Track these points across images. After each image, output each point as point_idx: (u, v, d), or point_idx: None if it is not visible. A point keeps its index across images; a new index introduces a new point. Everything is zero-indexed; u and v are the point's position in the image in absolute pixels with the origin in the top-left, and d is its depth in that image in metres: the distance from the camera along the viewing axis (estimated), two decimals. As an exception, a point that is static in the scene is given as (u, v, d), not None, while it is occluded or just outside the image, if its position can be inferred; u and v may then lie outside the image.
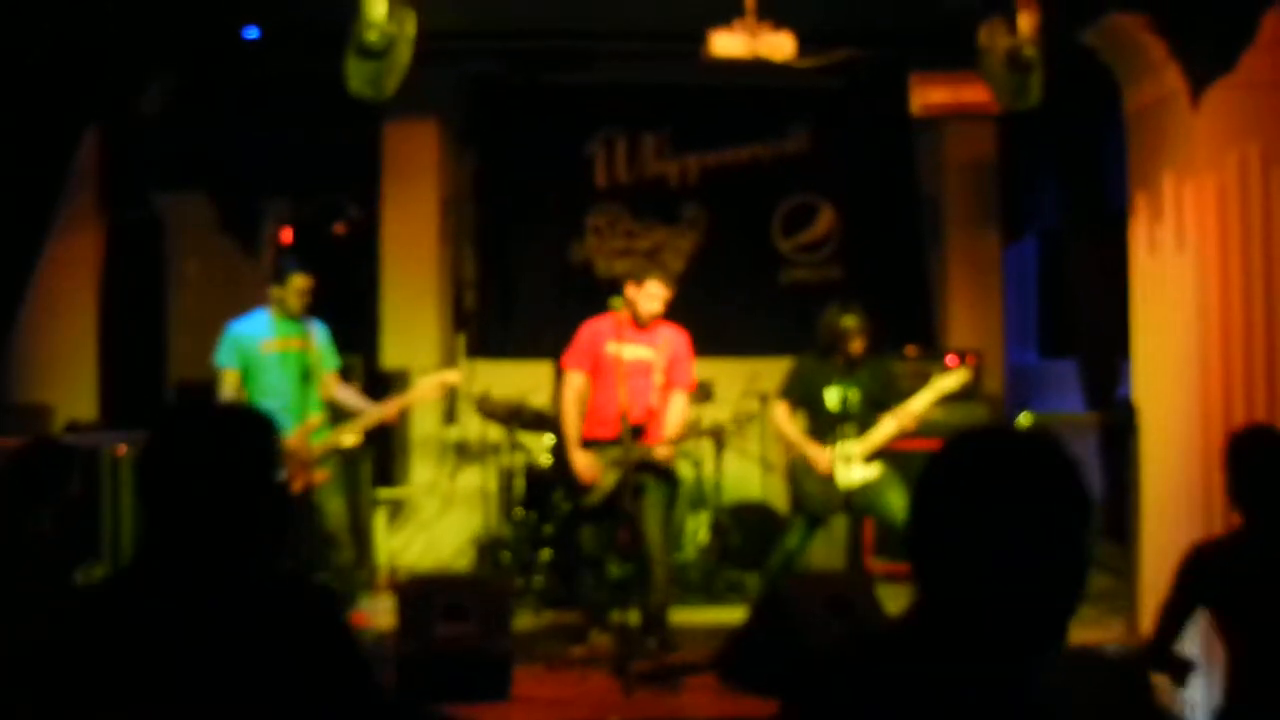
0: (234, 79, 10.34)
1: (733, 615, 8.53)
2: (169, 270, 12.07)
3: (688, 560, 10.31)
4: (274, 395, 8.39)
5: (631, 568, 8.25)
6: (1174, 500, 7.51)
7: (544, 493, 9.98)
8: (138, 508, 7.74)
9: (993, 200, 11.86)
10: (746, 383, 10.41)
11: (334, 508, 8.50)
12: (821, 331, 8.77)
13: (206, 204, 11.82)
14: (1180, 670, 4.96)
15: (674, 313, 10.52)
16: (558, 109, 11.88)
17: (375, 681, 3.10)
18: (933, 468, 2.43)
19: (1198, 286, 7.28)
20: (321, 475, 8.37)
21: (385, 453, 10.23)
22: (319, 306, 8.77)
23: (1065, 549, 2.32)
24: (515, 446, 10.19)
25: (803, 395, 8.83)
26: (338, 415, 8.71)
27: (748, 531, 10.47)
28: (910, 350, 10.85)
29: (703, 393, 10.34)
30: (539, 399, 10.20)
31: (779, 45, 7.89)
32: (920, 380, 9.01)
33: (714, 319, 11.71)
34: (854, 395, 8.65)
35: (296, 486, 7.75)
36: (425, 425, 11.10)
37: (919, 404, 8.53)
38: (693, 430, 8.70)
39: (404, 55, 7.47)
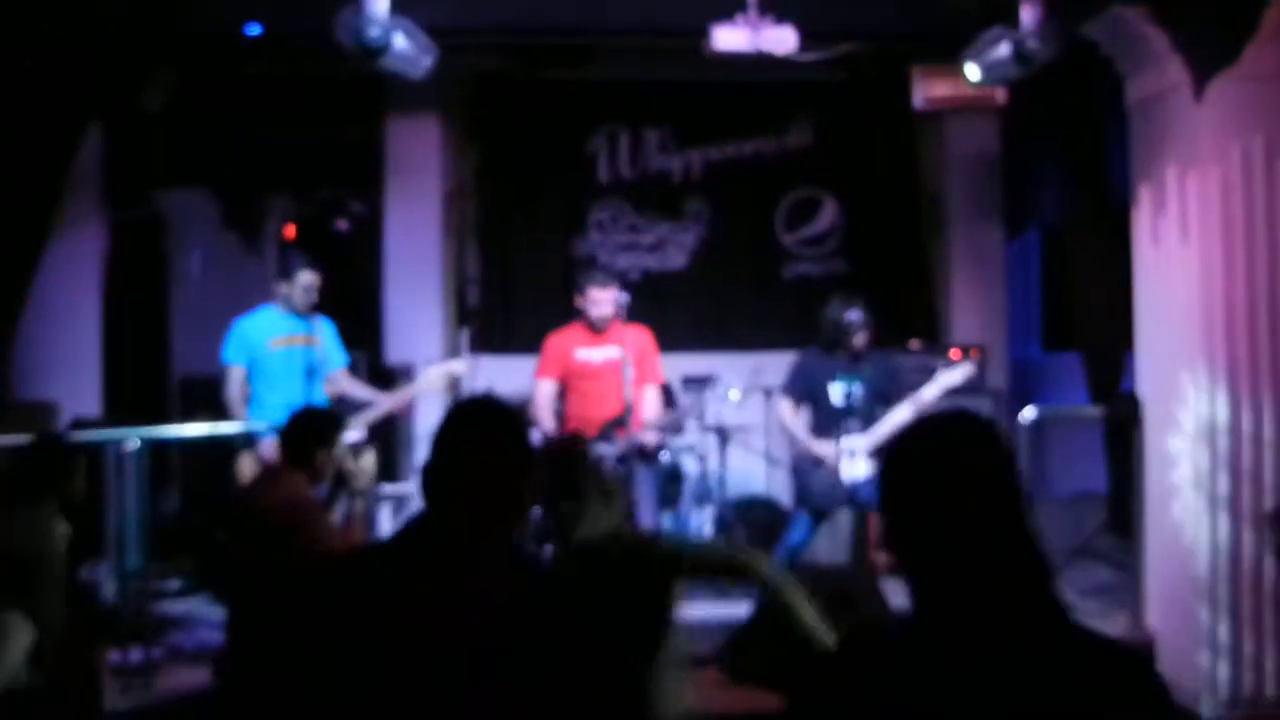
0: (236, 76, 10.36)
1: (737, 609, 8.39)
2: (172, 267, 12.08)
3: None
4: (279, 391, 8.41)
5: None
6: (1178, 494, 7.50)
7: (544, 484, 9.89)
8: (143, 504, 7.77)
9: (995, 194, 11.87)
10: (750, 377, 10.37)
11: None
12: (825, 325, 8.77)
13: (209, 201, 11.82)
14: None
15: (677, 307, 10.60)
16: (560, 105, 11.87)
17: None
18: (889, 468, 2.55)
19: (1201, 279, 7.26)
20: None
21: (389, 448, 10.18)
22: (323, 302, 8.77)
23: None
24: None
25: (807, 390, 8.83)
26: (345, 411, 8.69)
27: (752, 526, 10.44)
28: (914, 344, 10.84)
29: (706, 387, 10.36)
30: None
31: (781, 39, 7.88)
32: (924, 374, 9.03)
33: (717, 313, 12.01)
34: (858, 389, 8.64)
35: None
36: (429, 420, 10.90)
37: (929, 394, 8.53)
38: (671, 420, 8.74)
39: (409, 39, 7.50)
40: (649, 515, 8.50)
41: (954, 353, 10.30)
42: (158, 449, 8.91)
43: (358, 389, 8.92)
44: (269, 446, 7.96)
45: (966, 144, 11.75)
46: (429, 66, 7.75)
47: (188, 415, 10.07)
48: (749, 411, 10.55)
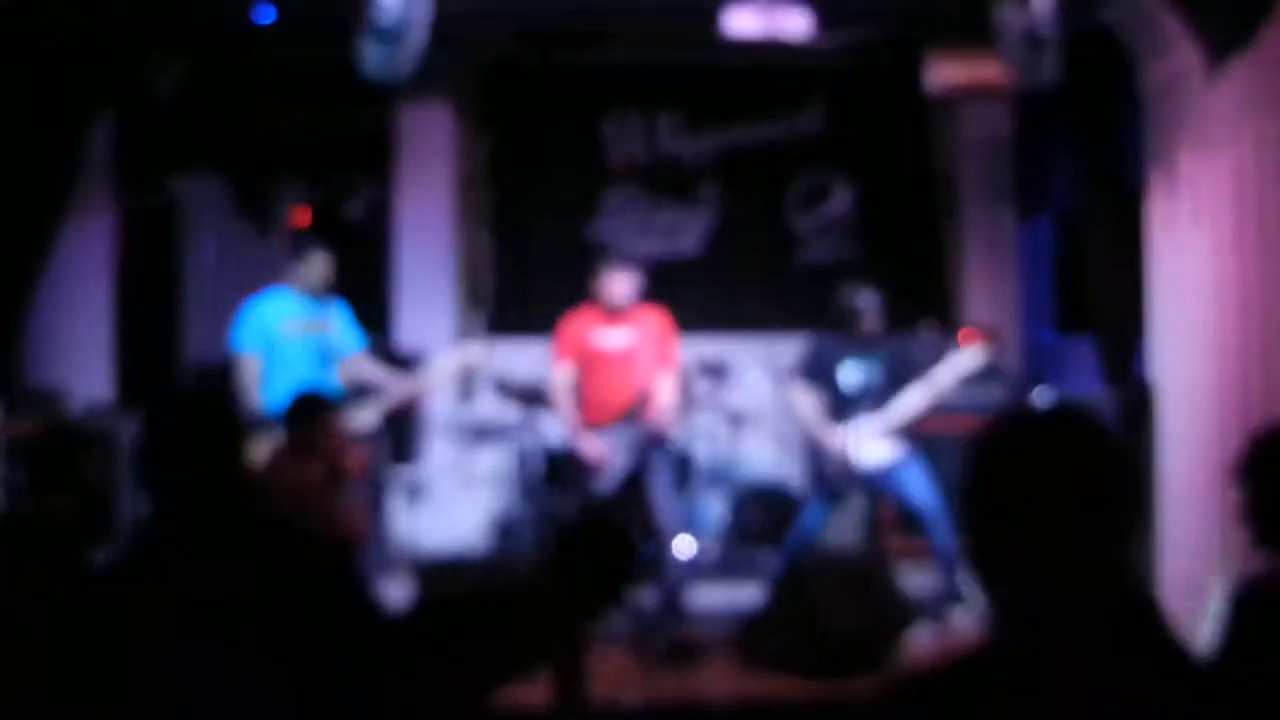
0: (248, 62, 10.34)
1: (751, 594, 8.49)
2: (184, 254, 12.08)
3: (705, 540, 10.25)
4: (293, 377, 8.31)
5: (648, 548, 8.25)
6: (1192, 479, 7.48)
7: (563, 473, 9.98)
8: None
9: (1008, 178, 11.84)
10: (763, 360, 10.35)
11: None
12: (836, 310, 8.77)
13: (221, 188, 11.81)
14: None
15: (690, 291, 10.57)
16: (571, 89, 11.85)
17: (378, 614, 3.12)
18: (980, 465, 2.34)
19: (1215, 263, 7.24)
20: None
21: (401, 432, 10.17)
22: (333, 288, 8.72)
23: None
24: (533, 426, 10.19)
25: (819, 374, 8.82)
26: (361, 396, 8.66)
27: (765, 510, 10.46)
28: (926, 328, 10.87)
29: (719, 371, 10.36)
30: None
31: (795, 23, 7.89)
32: (937, 358, 9.02)
33: (730, 297, 11.97)
34: (871, 373, 8.63)
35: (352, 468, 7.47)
36: (441, 405, 11.10)
37: (942, 378, 8.51)
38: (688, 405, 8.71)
39: (419, 37, 7.45)
40: (666, 503, 8.45)
41: (965, 334, 10.28)
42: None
43: (375, 373, 8.81)
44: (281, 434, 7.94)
45: (979, 128, 11.72)
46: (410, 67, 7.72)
47: None
48: (761, 396, 10.56)
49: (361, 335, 8.91)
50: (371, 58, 7.45)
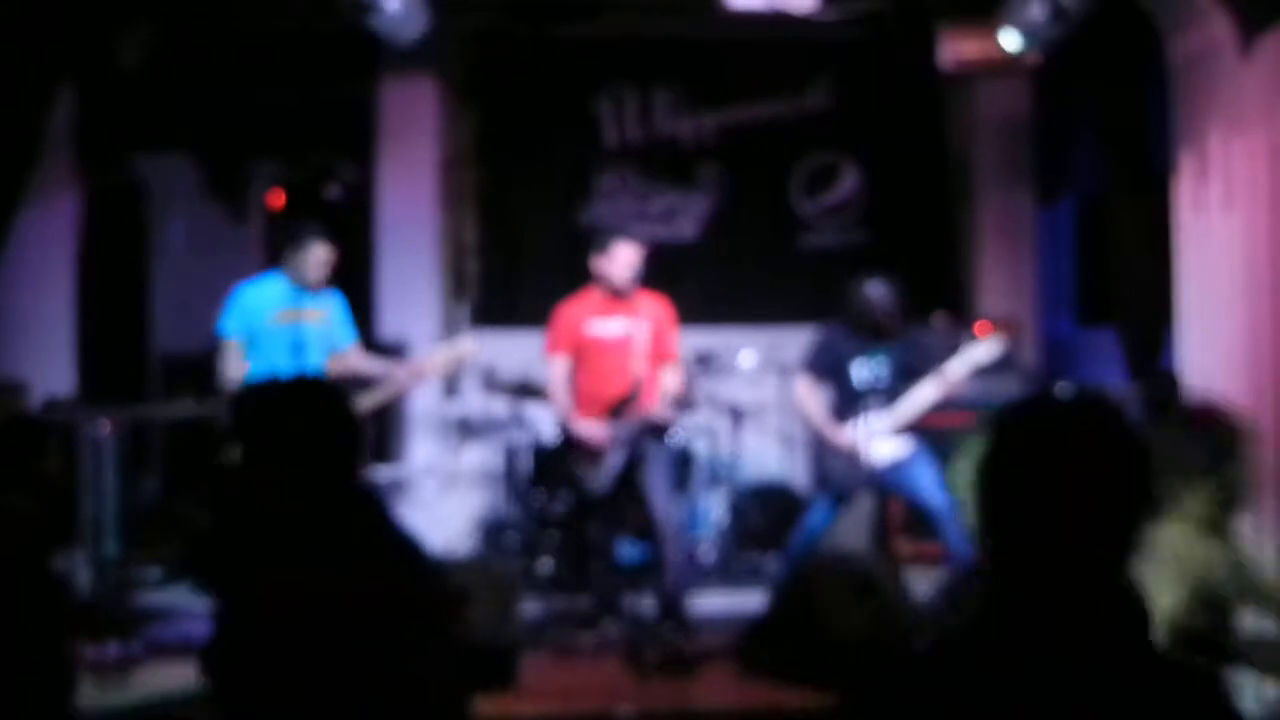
0: (219, 31, 10.17)
1: (752, 600, 8.30)
2: (152, 237, 12.05)
3: (704, 542, 10.12)
4: (274, 366, 8.02)
5: (646, 549, 8.06)
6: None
7: (552, 470, 9.74)
8: (121, 488, 7.59)
9: (1027, 160, 11.69)
10: (765, 353, 10.12)
11: None
12: (851, 303, 8.49)
13: (191, 166, 11.78)
14: None
15: (688, 280, 10.35)
16: (564, 63, 11.67)
17: None
18: (996, 448, 2.37)
19: (1247, 249, 7.13)
20: None
21: (382, 429, 10.14)
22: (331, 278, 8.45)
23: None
24: (521, 421, 10.03)
25: (828, 368, 8.56)
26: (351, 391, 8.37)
27: (767, 512, 10.28)
28: (939, 318, 10.67)
29: (719, 364, 10.22)
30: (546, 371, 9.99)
31: (800, -4, 7.66)
32: (950, 350, 8.73)
33: (731, 286, 11.83)
34: (883, 367, 8.36)
35: None
36: (424, 399, 10.93)
37: (955, 371, 8.20)
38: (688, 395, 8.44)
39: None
40: (662, 499, 8.17)
41: (981, 326, 10.17)
42: (137, 430, 8.66)
43: (370, 365, 8.62)
44: None
45: (996, 107, 11.53)
46: (419, 30, 7.45)
47: (170, 394, 9.96)
48: (763, 390, 10.44)
49: (354, 328, 8.66)
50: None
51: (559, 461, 8.97)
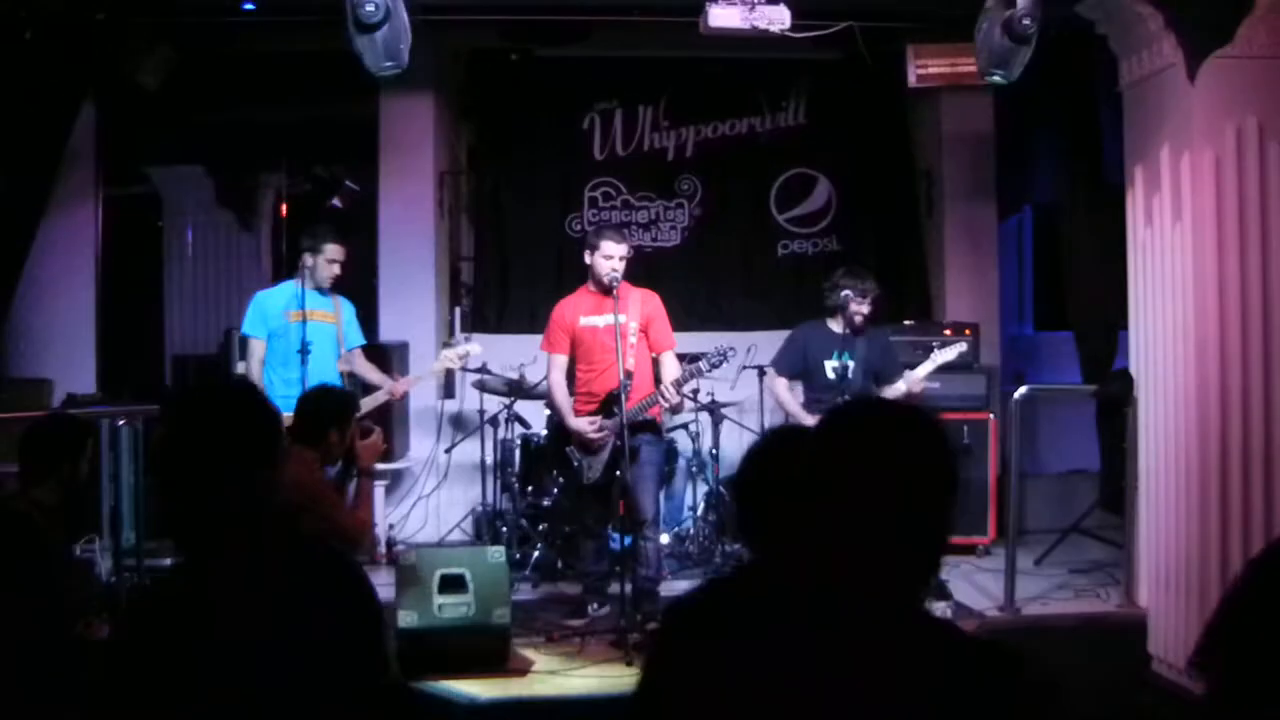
0: (231, 53, 10.32)
1: None
2: (166, 244, 12.08)
3: (686, 533, 10.34)
4: (289, 365, 8.41)
5: (630, 539, 8.20)
6: (1170, 471, 7.51)
7: (542, 465, 9.99)
8: (138, 481, 7.75)
9: (989, 172, 11.84)
10: (743, 356, 10.34)
11: None
12: (829, 294, 8.80)
13: (204, 178, 11.81)
14: None
15: (671, 286, 10.53)
16: (554, 82, 11.87)
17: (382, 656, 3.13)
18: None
19: (1195, 258, 7.28)
20: None
21: (383, 426, 10.13)
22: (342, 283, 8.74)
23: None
24: (513, 419, 10.19)
25: (801, 366, 8.87)
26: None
27: None
28: (907, 322, 10.88)
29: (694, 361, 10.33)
30: (536, 372, 10.16)
31: (775, 17, 7.88)
32: (917, 352, 9.06)
33: (711, 292, 12.04)
34: (852, 366, 8.65)
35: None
36: (422, 398, 11.06)
37: (920, 373, 8.56)
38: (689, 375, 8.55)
39: (403, 21, 7.46)
40: (649, 499, 8.35)
41: (945, 328, 10.44)
42: (151, 425, 8.89)
43: (370, 372, 8.89)
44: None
45: (960, 122, 11.72)
46: (396, 65, 7.71)
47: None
48: (743, 389, 10.50)
49: (360, 334, 8.98)
50: (369, 50, 7.43)
51: (550, 455, 9.16)
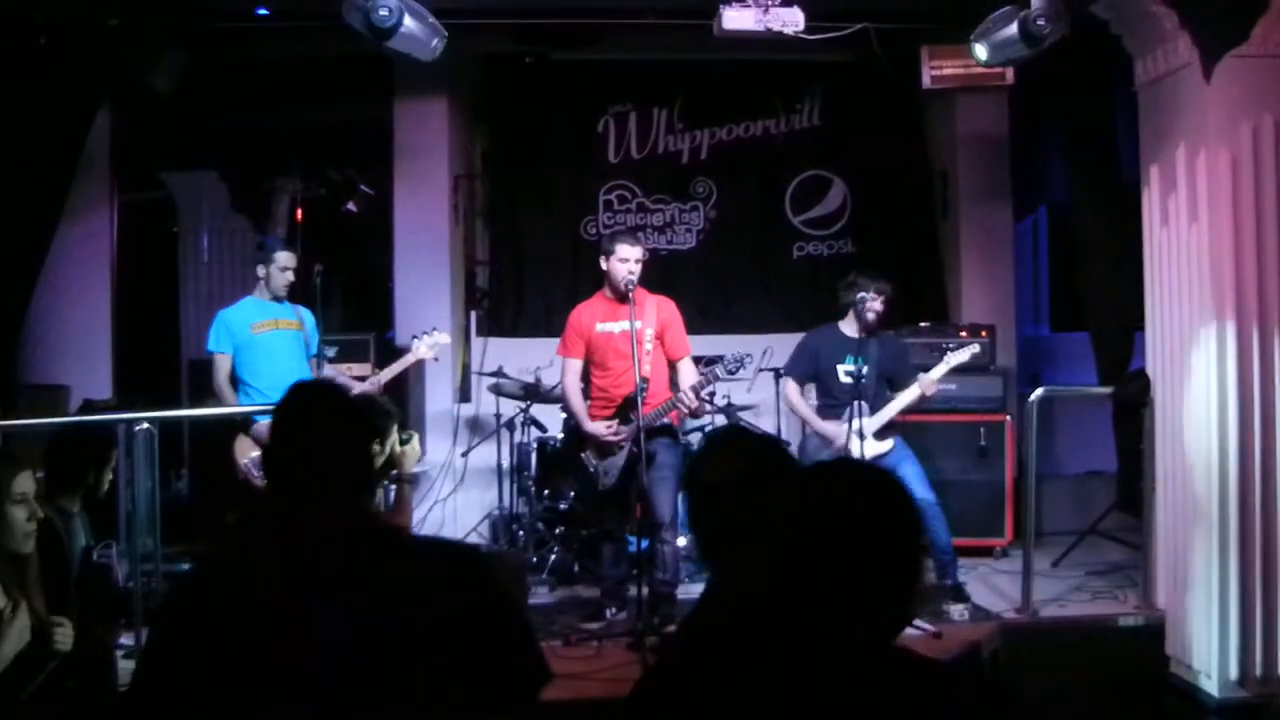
0: (246, 57, 10.31)
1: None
2: (181, 249, 12.08)
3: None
4: (269, 373, 8.42)
5: (647, 543, 8.19)
6: (1187, 473, 7.49)
7: (558, 469, 9.95)
8: (155, 486, 7.75)
9: (1004, 173, 11.83)
10: (759, 358, 10.32)
11: None
12: (844, 293, 8.78)
13: (219, 183, 11.82)
14: None
15: (685, 288, 10.52)
16: (568, 86, 11.91)
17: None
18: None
19: (1210, 258, 7.25)
20: None
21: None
22: (333, 283, 8.74)
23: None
24: (529, 423, 10.20)
25: (815, 370, 8.85)
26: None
27: None
28: (923, 324, 10.83)
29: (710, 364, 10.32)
30: (552, 376, 10.17)
31: (789, 19, 7.88)
32: (932, 354, 9.05)
33: (726, 294, 12.01)
34: (866, 370, 8.61)
35: None
36: (439, 402, 11.11)
37: (935, 375, 8.54)
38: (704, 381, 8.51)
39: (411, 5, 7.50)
40: (666, 502, 8.29)
41: (960, 329, 10.43)
42: (167, 431, 8.89)
43: (337, 377, 8.94)
44: (264, 429, 7.92)
45: (975, 123, 11.70)
46: (438, 48, 7.73)
47: (196, 398, 10.10)
48: (758, 392, 10.51)
49: (319, 344, 8.96)
50: (404, 46, 7.46)
51: (566, 459, 9.11)
